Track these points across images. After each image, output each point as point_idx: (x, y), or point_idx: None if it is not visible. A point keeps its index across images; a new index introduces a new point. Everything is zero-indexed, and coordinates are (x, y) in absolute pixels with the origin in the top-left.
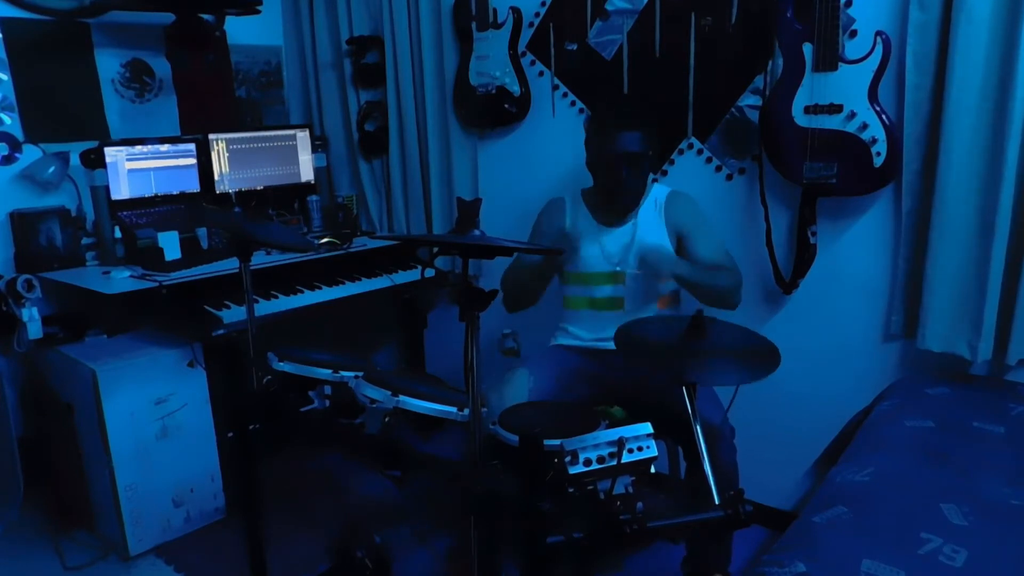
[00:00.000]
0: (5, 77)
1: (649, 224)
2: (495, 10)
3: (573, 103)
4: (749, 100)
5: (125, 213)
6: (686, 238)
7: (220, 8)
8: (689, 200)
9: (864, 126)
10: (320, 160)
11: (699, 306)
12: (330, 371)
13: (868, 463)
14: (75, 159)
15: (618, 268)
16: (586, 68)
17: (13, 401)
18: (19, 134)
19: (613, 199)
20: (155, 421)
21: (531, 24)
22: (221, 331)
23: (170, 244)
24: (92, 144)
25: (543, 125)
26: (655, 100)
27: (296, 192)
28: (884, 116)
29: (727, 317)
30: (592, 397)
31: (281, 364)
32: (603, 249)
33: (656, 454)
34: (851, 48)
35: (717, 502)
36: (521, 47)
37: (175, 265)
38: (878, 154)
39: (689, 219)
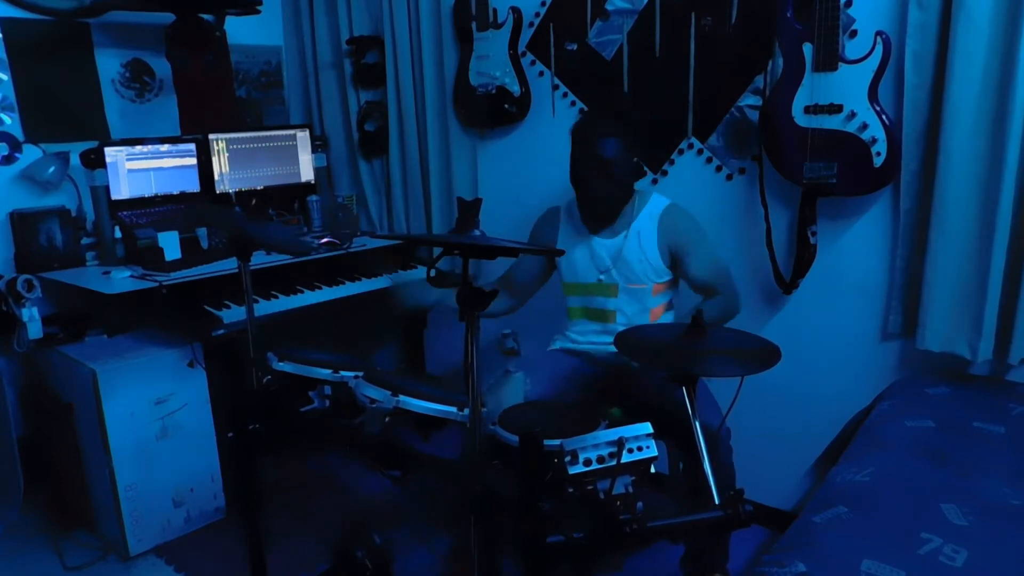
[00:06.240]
0: (5, 77)
1: (642, 237)
2: (495, 10)
3: (573, 103)
4: (749, 100)
5: (125, 213)
6: (680, 256)
7: (220, 8)
8: (685, 215)
9: (864, 126)
10: (320, 160)
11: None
12: (330, 371)
13: (868, 463)
14: (75, 159)
15: (602, 278)
16: (586, 68)
17: (13, 401)
18: (19, 134)
19: (586, 206)
20: (155, 421)
21: (531, 24)
22: (221, 331)
23: (170, 244)
24: (92, 144)
25: (543, 125)
26: (655, 100)
27: (296, 192)
28: (884, 116)
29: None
30: (588, 398)
31: (281, 364)
32: (594, 259)
33: (656, 454)
34: (851, 48)
35: (717, 502)
36: (521, 47)
37: (175, 265)
38: (878, 154)
39: (683, 237)
